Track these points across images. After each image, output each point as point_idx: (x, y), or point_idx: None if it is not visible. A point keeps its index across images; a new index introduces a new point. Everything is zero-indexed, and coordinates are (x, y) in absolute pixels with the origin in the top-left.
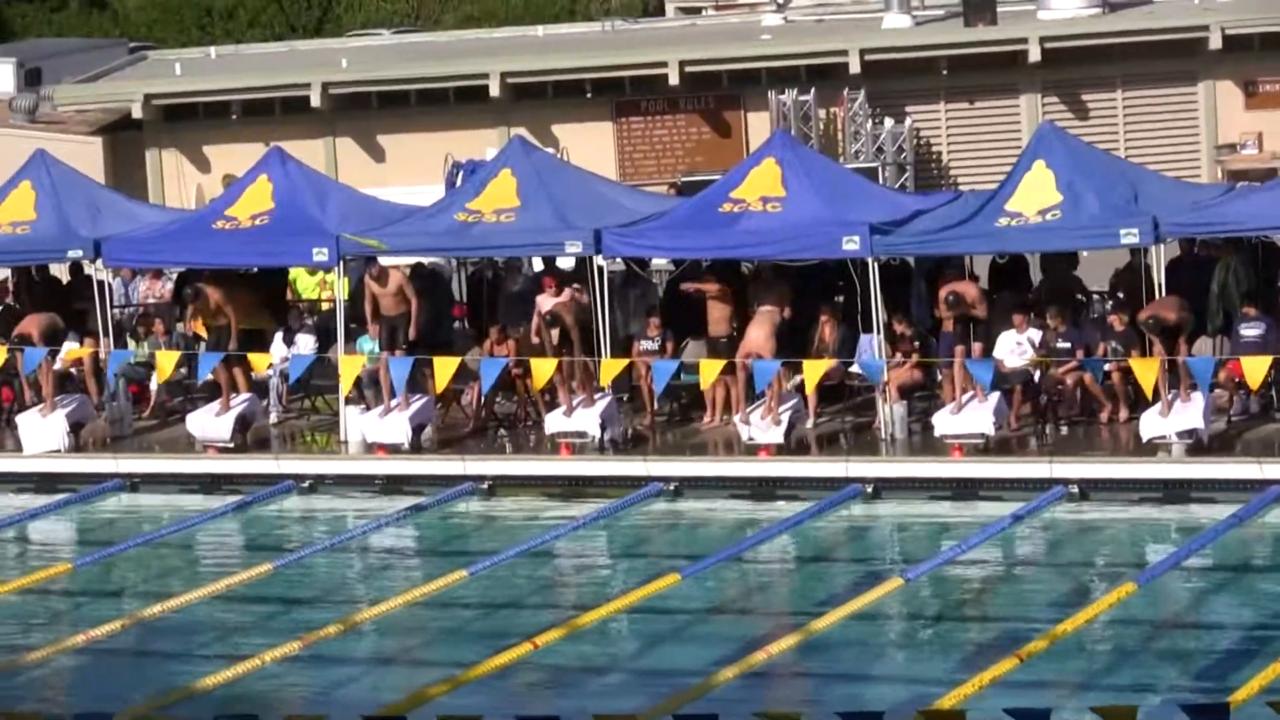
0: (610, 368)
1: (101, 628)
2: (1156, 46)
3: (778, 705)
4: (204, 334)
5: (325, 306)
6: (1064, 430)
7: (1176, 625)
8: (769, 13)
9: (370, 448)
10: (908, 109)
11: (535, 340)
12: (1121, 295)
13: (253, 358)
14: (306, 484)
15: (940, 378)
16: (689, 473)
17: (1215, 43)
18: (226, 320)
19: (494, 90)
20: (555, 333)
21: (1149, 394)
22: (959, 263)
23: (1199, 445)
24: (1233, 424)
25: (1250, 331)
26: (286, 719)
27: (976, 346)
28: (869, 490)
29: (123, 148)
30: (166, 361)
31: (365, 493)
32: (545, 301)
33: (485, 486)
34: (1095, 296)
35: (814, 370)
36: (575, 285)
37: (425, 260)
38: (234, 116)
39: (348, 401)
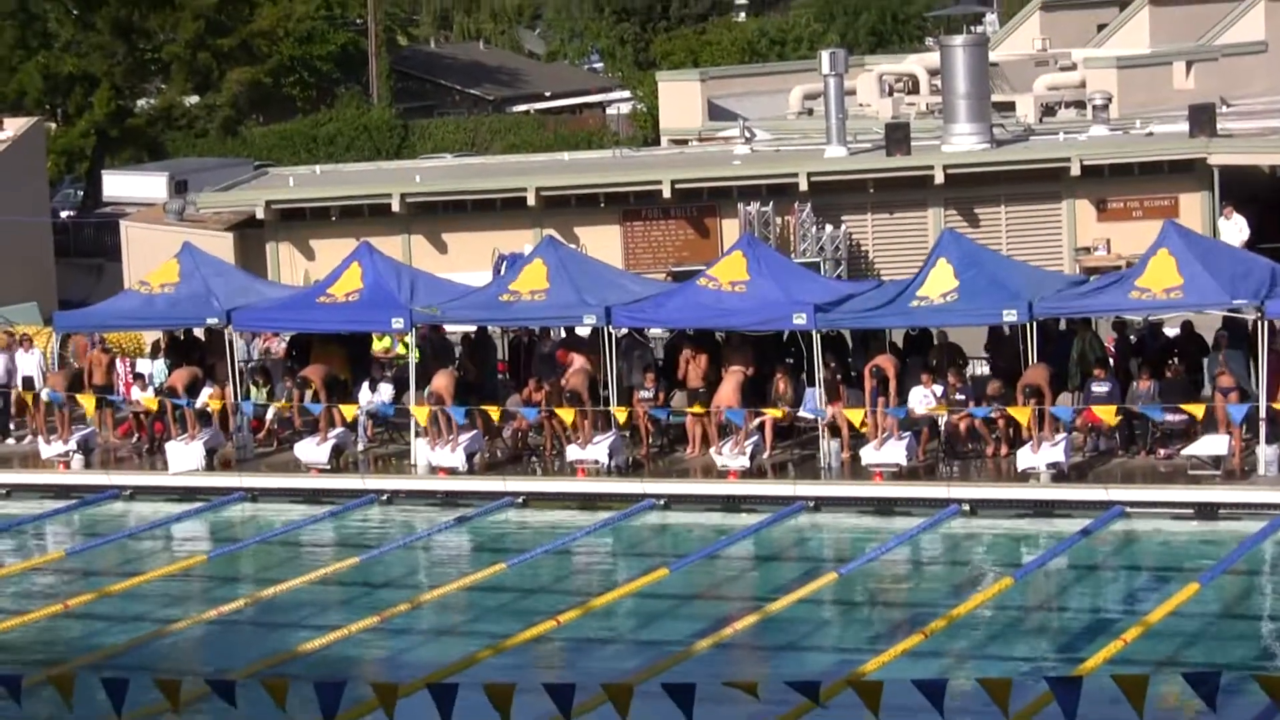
0: (620, 413)
1: (228, 605)
2: (1031, 173)
3: (741, 670)
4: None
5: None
6: (958, 462)
7: (1042, 610)
8: (739, 144)
9: (434, 470)
10: (843, 218)
11: (564, 389)
12: (1002, 363)
13: (344, 407)
14: (385, 497)
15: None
16: (675, 491)
17: (1075, 170)
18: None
19: (530, 200)
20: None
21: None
22: (881, 334)
23: (1061, 474)
24: (1085, 459)
25: (1099, 389)
26: (371, 685)
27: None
28: (812, 506)
29: (248, 241)
30: (284, 407)
31: (430, 505)
32: (566, 377)
33: (520, 500)
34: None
35: (773, 414)
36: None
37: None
38: (333, 218)
39: (417, 435)
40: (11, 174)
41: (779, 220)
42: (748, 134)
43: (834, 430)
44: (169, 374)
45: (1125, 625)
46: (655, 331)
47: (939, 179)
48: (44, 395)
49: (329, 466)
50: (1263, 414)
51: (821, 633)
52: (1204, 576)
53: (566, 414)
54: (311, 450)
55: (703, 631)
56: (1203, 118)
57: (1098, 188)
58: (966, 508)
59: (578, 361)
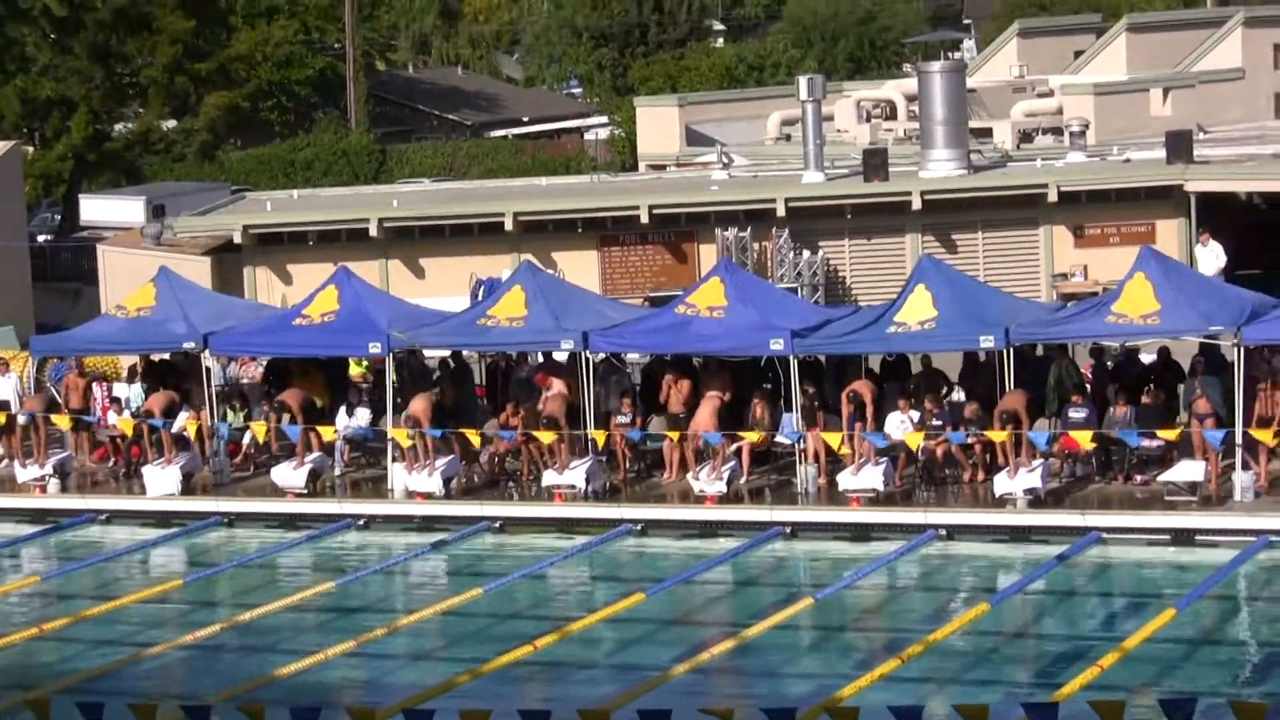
0: (598, 437)
1: (204, 630)
2: (1008, 199)
3: (717, 696)
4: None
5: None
6: (935, 487)
7: (1018, 636)
8: (717, 169)
9: (411, 495)
10: (820, 243)
11: (541, 414)
12: (979, 390)
13: (321, 429)
14: (362, 522)
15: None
16: (652, 516)
17: (1053, 196)
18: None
19: (508, 225)
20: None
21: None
22: (858, 359)
23: (1037, 500)
24: (1062, 485)
25: (1076, 415)
26: (348, 710)
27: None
28: (788, 531)
29: (226, 265)
30: (260, 429)
31: (406, 529)
32: (544, 401)
33: (497, 525)
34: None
35: (750, 438)
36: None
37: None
38: (310, 242)
39: (394, 459)
40: None
41: (757, 246)
42: (725, 159)
43: (813, 455)
44: (145, 398)
45: (1102, 651)
46: (633, 356)
47: (916, 205)
48: (20, 419)
49: (306, 491)
50: (1239, 440)
51: (798, 658)
52: (1180, 602)
53: (545, 437)
54: (288, 474)
55: (679, 657)
56: (1180, 144)
57: (1075, 214)
58: (943, 533)
59: (555, 386)
